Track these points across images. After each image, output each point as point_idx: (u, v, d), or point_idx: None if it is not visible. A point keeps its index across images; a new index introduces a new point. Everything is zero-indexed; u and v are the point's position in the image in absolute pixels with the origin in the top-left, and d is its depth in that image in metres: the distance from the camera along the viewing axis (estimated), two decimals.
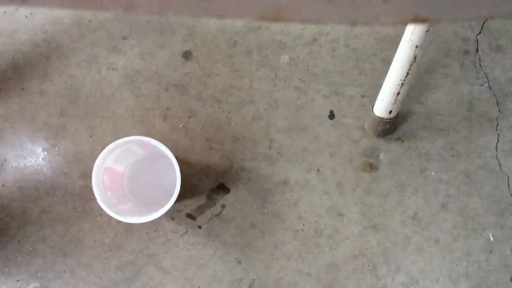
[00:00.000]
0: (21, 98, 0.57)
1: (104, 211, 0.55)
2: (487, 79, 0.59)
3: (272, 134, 0.57)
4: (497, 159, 0.58)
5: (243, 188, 0.57)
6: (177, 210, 0.56)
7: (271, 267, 0.56)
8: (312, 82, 0.58)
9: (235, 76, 0.58)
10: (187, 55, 0.58)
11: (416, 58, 0.47)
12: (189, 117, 0.57)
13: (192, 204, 0.57)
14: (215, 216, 0.57)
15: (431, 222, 0.57)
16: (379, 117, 0.55)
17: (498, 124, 0.58)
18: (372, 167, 0.57)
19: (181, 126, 0.57)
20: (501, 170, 0.57)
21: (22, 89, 0.57)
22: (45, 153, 0.56)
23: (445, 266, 0.56)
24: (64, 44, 0.58)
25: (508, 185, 0.57)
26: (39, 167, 0.56)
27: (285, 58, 0.59)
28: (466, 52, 0.59)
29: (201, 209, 0.57)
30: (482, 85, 0.59)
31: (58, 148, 0.57)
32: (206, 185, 0.57)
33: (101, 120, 0.57)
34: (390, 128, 0.56)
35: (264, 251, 0.56)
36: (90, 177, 0.56)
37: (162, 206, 0.47)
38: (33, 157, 0.56)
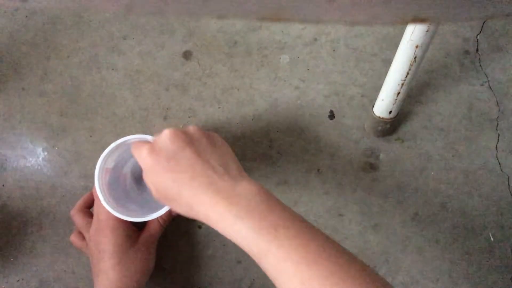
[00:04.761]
0: (21, 98, 0.57)
1: None
2: (487, 79, 0.59)
3: (272, 134, 0.57)
4: (497, 159, 0.58)
5: None
6: None
7: None
8: (312, 82, 0.58)
9: (235, 76, 0.58)
10: (187, 55, 0.58)
11: (416, 58, 0.47)
12: (189, 117, 0.57)
13: None
14: None
15: (431, 222, 0.57)
16: (379, 117, 0.55)
17: (498, 124, 0.58)
18: (372, 167, 0.57)
19: (181, 126, 0.57)
20: (501, 170, 0.57)
21: (22, 89, 0.57)
22: (45, 153, 0.56)
23: (445, 266, 0.56)
24: (64, 44, 0.58)
25: (508, 185, 0.57)
26: (39, 167, 0.56)
27: (285, 58, 0.59)
28: (466, 52, 0.59)
29: None
30: (482, 85, 0.59)
31: (58, 148, 0.57)
32: None
33: (101, 120, 0.57)
34: (390, 128, 0.56)
35: None
36: (90, 177, 0.56)
37: (164, 205, 0.47)
38: (33, 157, 0.56)
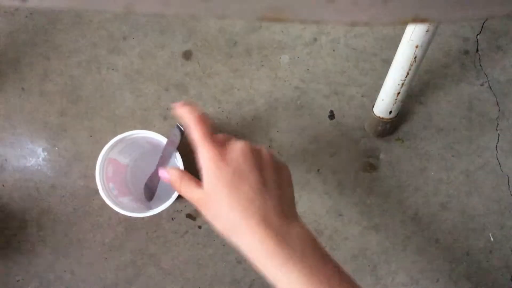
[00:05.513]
0: (21, 98, 0.57)
1: (104, 211, 0.55)
2: (487, 79, 0.59)
3: (272, 134, 0.57)
4: (497, 159, 0.58)
5: None
6: (177, 211, 0.56)
7: None
8: (312, 82, 0.58)
9: (235, 76, 0.58)
10: (187, 55, 0.58)
11: (416, 58, 0.47)
12: None
13: (192, 204, 0.57)
14: None
15: (431, 222, 0.57)
16: (379, 117, 0.55)
17: (498, 124, 0.58)
18: (372, 167, 0.57)
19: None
20: (501, 170, 0.57)
21: (22, 89, 0.57)
22: (45, 153, 0.56)
23: (445, 266, 0.56)
24: (64, 44, 0.58)
25: (508, 185, 0.57)
26: (39, 167, 0.56)
27: (285, 58, 0.59)
28: (466, 52, 0.59)
29: None
30: (482, 85, 0.59)
31: (58, 148, 0.57)
32: None
33: (101, 120, 0.57)
34: (390, 128, 0.56)
35: None
36: (90, 177, 0.56)
37: (163, 201, 0.48)
38: (33, 157, 0.56)
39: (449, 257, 0.57)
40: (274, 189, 0.36)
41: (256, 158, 0.37)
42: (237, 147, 0.37)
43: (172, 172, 0.41)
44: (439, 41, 0.59)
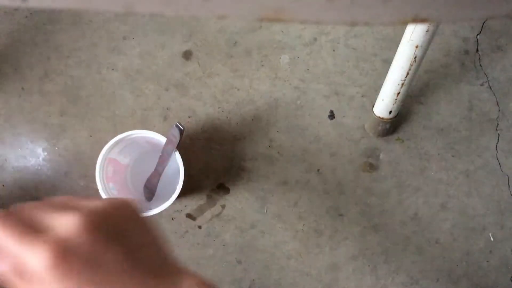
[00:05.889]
0: (21, 98, 0.57)
1: None
2: (487, 79, 0.59)
3: (272, 134, 0.57)
4: (497, 159, 0.58)
5: (243, 188, 0.57)
6: (177, 210, 0.56)
7: (271, 267, 0.56)
8: (312, 82, 0.58)
9: (235, 76, 0.58)
10: (187, 55, 0.58)
11: (416, 58, 0.47)
12: (189, 117, 0.57)
13: (192, 204, 0.57)
14: (215, 216, 0.57)
15: (431, 222, 0.57)
16: (379, 117, 0.55)
17: (498, 124, 0.58)
18: (372, 167, 0.57)
19: (181, 127, 0.57)
20: (501, 170, 0.57)
21: (22, 89, 0.57)
22: (45, 153, 0.56)
23: (445, 266, 0.56)
24: (64, 44, 0.58)
25: (508, 185, 0.57)
26: (39, 167, 0.56)
27: (285, 58, 0.59)
28: (466, 52, 0.59)
29: (201, 209, 0.57)
30: (482, 85, 0.59)
31: (58, 148, 0.57)
32: (206, 185, 0.57)
33: (101, 120, 0.57)
34: (390, 128, 0.56)
35: (264, 251, 0.56)
36: (90, 177, 0.56)
37: (163, 201, 0.48)
38: (33, 157, 0.56)
39: (449, 257, 0.57)
40: (144, 250, 0.27)
41: (105, 224, 0.26)
42: (74, 224, 0.24)
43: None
44: (439, 41, 0.59)
